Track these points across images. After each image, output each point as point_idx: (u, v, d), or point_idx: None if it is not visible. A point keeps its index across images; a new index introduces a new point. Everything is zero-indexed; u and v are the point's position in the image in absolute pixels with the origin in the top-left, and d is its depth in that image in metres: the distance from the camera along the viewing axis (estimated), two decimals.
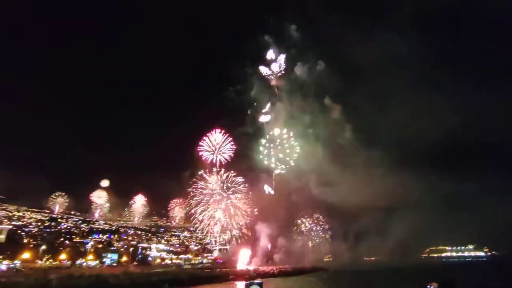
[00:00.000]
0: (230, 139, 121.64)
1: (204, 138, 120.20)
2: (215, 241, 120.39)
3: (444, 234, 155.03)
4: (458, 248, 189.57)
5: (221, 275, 52.75)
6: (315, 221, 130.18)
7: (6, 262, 73.84)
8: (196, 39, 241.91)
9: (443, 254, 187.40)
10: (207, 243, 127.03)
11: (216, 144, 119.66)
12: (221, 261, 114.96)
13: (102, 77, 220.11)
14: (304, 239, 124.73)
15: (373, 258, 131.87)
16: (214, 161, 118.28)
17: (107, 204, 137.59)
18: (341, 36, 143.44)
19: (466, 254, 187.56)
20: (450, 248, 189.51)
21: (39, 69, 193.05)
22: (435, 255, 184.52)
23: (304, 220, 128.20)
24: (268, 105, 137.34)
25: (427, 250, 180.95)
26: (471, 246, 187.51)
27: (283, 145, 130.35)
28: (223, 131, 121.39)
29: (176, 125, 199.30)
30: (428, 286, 11.98)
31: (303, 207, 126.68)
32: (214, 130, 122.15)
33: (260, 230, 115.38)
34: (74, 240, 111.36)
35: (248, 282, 7.76)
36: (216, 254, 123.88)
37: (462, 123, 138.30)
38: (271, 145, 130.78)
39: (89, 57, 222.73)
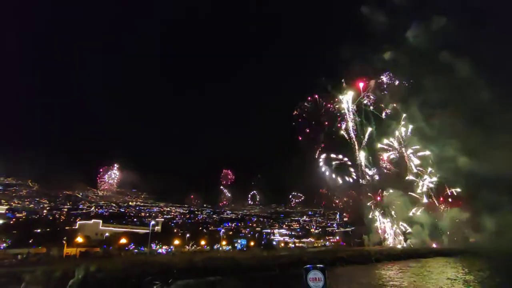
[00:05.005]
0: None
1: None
2: (337, 223, 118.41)
3: None
4: None
5: (344, 257, 51.04)
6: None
7: (164, 247, 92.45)
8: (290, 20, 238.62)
9: None
10: (328, 226, 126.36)
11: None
12: (344, 244, 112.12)
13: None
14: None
15: None
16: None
17: (230, 196, 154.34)
18: None
19: None
20: None
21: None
22: None
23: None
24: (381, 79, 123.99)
25: None
26: None
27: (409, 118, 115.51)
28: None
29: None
30: None
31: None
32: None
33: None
34: (210, 228, 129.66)
35: (309, 266, 6.82)
36: (338, 236, 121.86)
37: None
38: (393, 120, 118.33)
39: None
